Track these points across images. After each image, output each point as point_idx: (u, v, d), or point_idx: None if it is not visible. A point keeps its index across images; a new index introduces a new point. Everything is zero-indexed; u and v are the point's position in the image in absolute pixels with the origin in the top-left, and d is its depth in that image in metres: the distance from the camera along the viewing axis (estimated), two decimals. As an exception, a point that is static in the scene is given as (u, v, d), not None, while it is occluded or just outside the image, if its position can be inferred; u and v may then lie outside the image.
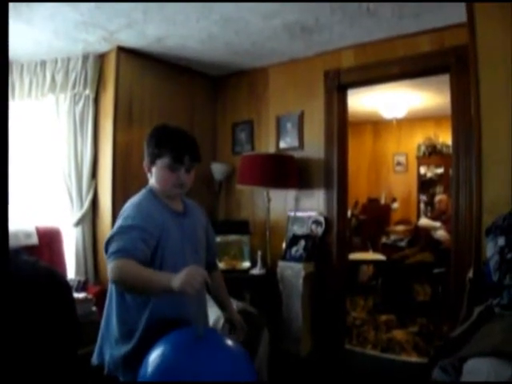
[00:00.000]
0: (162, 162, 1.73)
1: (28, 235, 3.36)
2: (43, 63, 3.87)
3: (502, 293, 2.02)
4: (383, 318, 4.86)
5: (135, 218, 1.63)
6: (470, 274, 2.58)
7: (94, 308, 3.04)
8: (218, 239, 3.71)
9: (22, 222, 3.46)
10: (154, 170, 1.76)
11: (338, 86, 3.89)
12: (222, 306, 2.11)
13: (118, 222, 1.64)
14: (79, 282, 3.35)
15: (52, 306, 1.63)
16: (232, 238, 4.11)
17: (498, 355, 1.65)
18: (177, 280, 1.40)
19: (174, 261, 1.69)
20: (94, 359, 1.76)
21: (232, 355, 1.52)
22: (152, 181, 1.80)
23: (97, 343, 1.78)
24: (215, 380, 1.37)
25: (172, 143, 1.73)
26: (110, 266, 1.52)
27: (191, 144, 1.78)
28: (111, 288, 1.74)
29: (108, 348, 1.71)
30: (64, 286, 1.79)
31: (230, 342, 1.56)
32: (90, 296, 3.10)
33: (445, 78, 3.44)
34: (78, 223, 3.71)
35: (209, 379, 1.36)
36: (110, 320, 1.73)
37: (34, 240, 3.39)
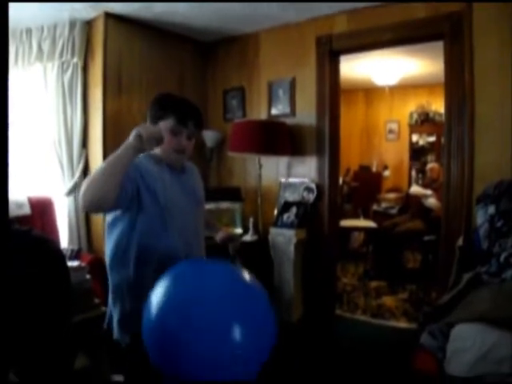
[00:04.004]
0: (164, 124, 1.71)
1: (20, 205, 3.35)
2: (29, 31, 3.76)
3: (490, 260, 2.05)
4: (373, 284, 4.94)
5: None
6: (460, 242, 2.62)
7: (87, 276, 3.06)
8: (211, 206, 3.72)
9: (14, 192, 3.43)
10: None
11: (330, 52, 3.83)
12: (211, 228, 2.21)
13: None
14: (72, 250, 3.35)
15: (46, 275, 1.64)
16: (224, 205, 4.09)
17: (484, 321, 1.69)
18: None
19: (177, 214, 1.72)
20: (105, 325, 1.81)
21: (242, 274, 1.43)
22: None
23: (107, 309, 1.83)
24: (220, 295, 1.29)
25: (177, 106, 1.75)
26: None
27: (196, 110, 1.81)
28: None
29: (115, 313, 1.75)
30: (58, 254, 1.79)
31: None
32: (83, 264, 3.11)
33: (439, 45, 3.40)
34: (69, 192, 3.70)
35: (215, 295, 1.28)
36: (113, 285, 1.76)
37: (27, 210, 3.38)
